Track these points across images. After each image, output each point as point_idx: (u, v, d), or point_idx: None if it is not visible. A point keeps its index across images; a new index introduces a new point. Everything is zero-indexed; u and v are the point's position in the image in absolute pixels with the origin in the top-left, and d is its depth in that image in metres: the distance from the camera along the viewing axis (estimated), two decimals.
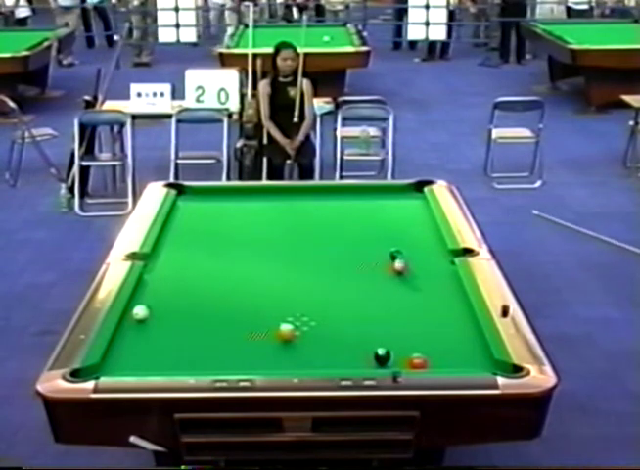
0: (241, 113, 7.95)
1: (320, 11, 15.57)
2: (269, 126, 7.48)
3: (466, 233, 4.65)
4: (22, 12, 14.90)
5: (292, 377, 3.22)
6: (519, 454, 4.09)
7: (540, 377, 3.26)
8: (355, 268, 4.35)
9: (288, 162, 7.43)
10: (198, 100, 8.33)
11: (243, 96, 8.08)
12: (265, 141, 7.53)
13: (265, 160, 7.56)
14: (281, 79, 7.43)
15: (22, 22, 14.85)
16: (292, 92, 7.40)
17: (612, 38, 10.95)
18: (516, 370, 3.28)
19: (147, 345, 3.61)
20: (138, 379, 3.27)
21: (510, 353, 3.39)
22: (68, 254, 6.89)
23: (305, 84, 7.45)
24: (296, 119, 7.36)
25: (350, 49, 11.26)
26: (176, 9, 13.84)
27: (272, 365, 3.40)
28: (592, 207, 7.76)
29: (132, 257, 4.36)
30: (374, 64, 11.36)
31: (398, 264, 4.23)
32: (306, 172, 7.56)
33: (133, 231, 4.74)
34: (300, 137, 7.44)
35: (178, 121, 7.99)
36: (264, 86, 7.51)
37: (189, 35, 14.21)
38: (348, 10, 15.17)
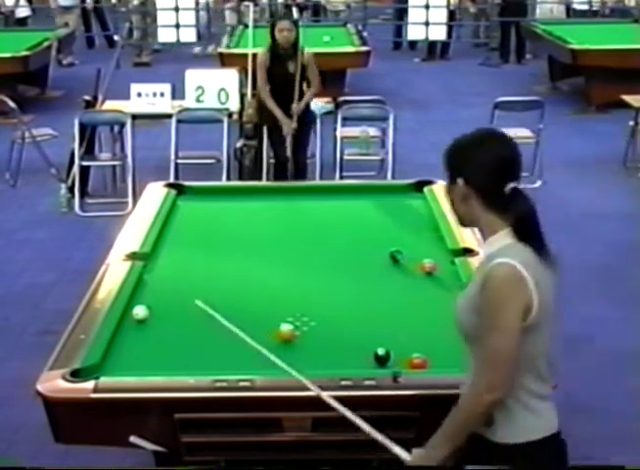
0: (241, 113, 7.94)
1: (316, 10, 15.57)
2: (267, 100, 7.39)
3: (466, 233, 4.64)
4: (22, 12, 14.90)
5: (292, 377, 3.22)
6: None
7: None
8: (355, 268, 4.35)
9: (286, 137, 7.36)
10: (198, 100, 8.33)
11: (243, 96, 8.08)
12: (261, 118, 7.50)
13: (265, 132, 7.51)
14: (281, 51, 7.35)
15: (22, 22, 14.85)
16: (291, 67, 7.31)
17: (612, 38, 10.95)
18: None
19: (147, 345, 3.61)
20: (138, 379, 3.27)
21: None
22: (68, 254, 6.89)
23: (306, 56, 7.37)
24: (295, 98, 7.29)
25: (350, 49, 11.26)
26: (176, 9, 13.84)
27: (272, 365, 3.39)
28: (592, 207, 7.76)
29: (132, 257, 4.36)
30: (374, 64, 11.36)
31: (427, 264, 4.23)
32: (301, 171, 7.51)
33: (133, 231, 4.74)
34: (302, 105, 7.36)
35: (178, 121, 7.99)
36: (263, 55, 7.43)
37: (189, 35, 14.20)
38: (350, 10, 15.17)
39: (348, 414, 2.84)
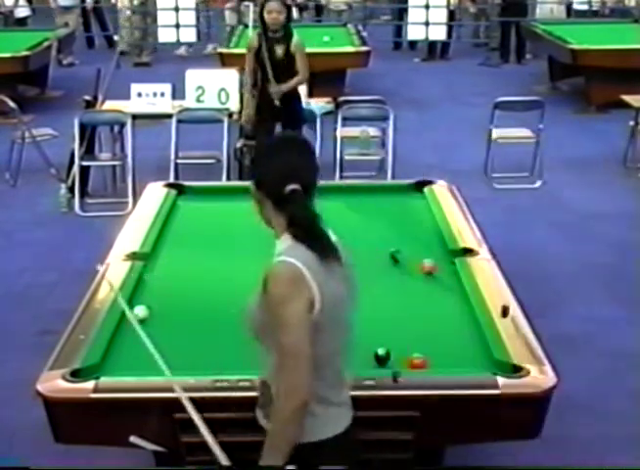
0: (241, 112, 7.93)
1: (320, 11, 15.56)
2: (245, 86, 7.34)
3: (466, 233, 4.65)
4: (22, 12, 14.89)
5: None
6: (519, 454, 4.09)
7: (540, 377, 3.27)
8: (355, 268, 4.34)
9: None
10: (198, 100, 8.33)
11: (243, 96, 8.07)
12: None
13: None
14: (270, 34, 7.17)
15: (22, 22, 14.85)
16: (279, 51, 7.16)
17: (612, 38, 10.95)
18: (516, 370, 3.28)
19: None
20: (138, 379, 3.27)
21: (510, 353, 3.39)
22: (68, 254, 6.89)
23: (295, 42, 7.18)
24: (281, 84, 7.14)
25: (350, 49, 11.25)
26: (176, 9, 13.84)
27: None
28: (592, 207, 7.76)
29: (132, 257, 4.36)
30: (374, 64, 11.35)
31: (427, 264, 4.23)
32: None
33: (133, 231, 4.75)
34: (282, 88, 7.15)
35: (178, 121, 7.99)
36: (253, 39, 7.32)
37: (189, 35, 14.21)
38: (352, 10, 15.15)
39: (195, 418, 2.84)
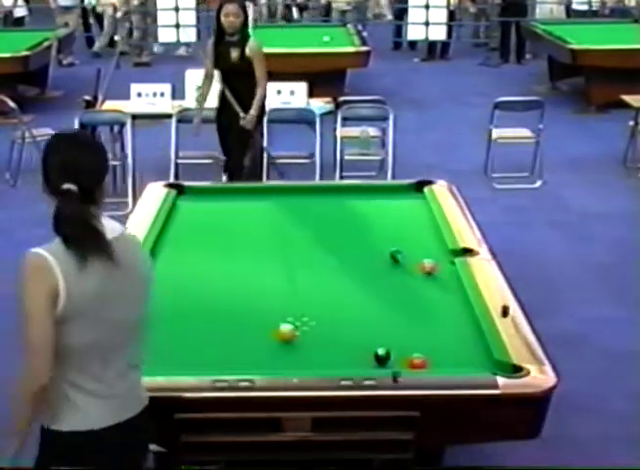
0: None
1: (328, 11, 15.53)
2: (203, 89, 7.29)
3: (466, 233, 4.65)
4: (20, 12, 14.90)
5: (292, 377, 3.22)
6: (519, 454, 4.09)
7: (540, 377, 3.26)
8: (355, 268, 4.35)
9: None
10: (198, 100, 8.32)
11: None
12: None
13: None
14: (227, 38, 6.99)
15: (19, 21, 14.85)
16: (233, 54, 6.97)
17: (612, 38, 10.96)
18: (516, 370, 3.28)
19: (147, 345, 3.60)
20: None
21: (510, 353, 3.39)
22: None
23: (250, 47, 6.96)
24: (243, 92, 6.98)
25: (350, 49, 11.26)
26: (176, 9, 13.84)
27: (272, 365, 3.40)
28: (592, 207, 7.77)
29: None
30: (374, 64, 11.36)
31: (427, 264, 4.23)
32: (250, 173, 7.30)
33: (133, 231, 4.74)
34: (252, 115, 7.00)
35: (178, 121, 7.99)
36: (210, 44, 7.17)
37: (189, 35, 14.20)
38: (355, 10, 15.15)
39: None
